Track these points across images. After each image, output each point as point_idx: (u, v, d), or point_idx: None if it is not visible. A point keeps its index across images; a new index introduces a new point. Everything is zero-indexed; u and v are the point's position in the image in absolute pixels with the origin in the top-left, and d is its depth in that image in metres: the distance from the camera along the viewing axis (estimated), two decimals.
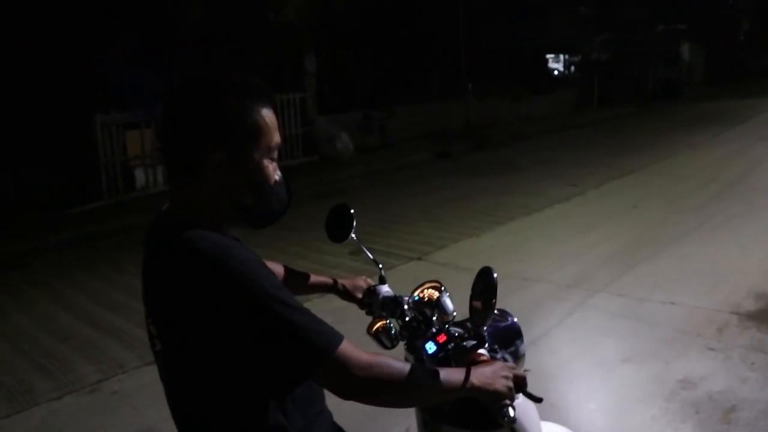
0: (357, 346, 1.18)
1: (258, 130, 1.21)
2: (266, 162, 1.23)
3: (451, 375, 1.26)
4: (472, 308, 1.40)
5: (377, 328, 1.58)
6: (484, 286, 1.37)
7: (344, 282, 1.85)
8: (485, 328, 1.42)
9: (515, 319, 1.61)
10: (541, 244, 6.09)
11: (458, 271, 5.31)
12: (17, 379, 3.99)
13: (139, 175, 9.87)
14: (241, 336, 1.14)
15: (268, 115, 1.23)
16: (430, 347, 1.49)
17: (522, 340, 1.60)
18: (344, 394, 1.19)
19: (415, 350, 1.55)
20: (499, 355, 1.46)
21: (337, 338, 1.16)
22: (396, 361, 1.22)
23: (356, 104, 13.98)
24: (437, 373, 1.24)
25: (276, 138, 1.25)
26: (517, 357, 1.56)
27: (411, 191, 9.26)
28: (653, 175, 9.28)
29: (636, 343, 3.86)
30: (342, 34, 13.99)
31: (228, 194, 1.23)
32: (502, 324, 1.59)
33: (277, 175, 1.27)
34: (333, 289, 1.84)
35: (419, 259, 5.84)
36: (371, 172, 11.25)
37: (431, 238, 6.49)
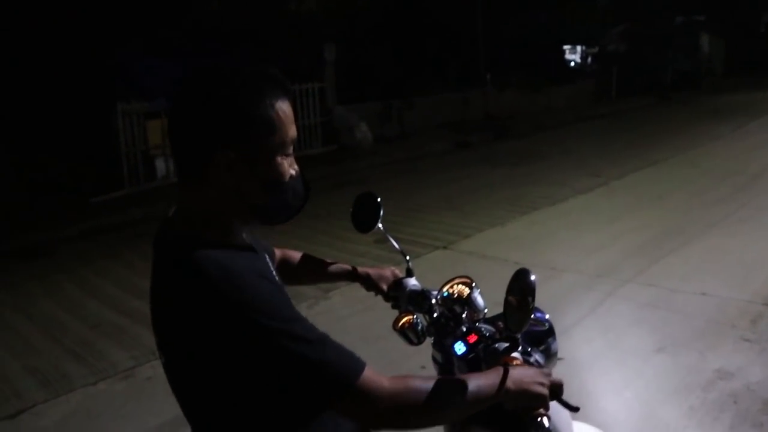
0: (378, 372, 1.10)
1: (271, 126, 1.12)
2: (281, 158, 1.15)
3: (483, 382, 1.17)
4: (507, 313, 1.28)
5: (403, 324, 1.54)
6: (521, 289, 1.26)
7: (369, 271, 1.75)
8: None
9: (547, 316, 1.54)
10: (566, 234, 6.05)
11: (485, 260, 5.30)
12: (51, 365, 4.03)
13: (160, 165, 9.91)
14: (252, 372, 1.08)
15: (282, 108, 1.14)
16: (460, 348, 1.43)
17: (554, 338, 1.53)
18: (369, 425, 1.14)
19: (442, 348, 1.49)
20: (532, 359, 1.39)
21: (357, 368, 1.08)
22: (423, 381, 1.14)
23: (375, 94, 13.94)
24: (467, 384, 1.15)
25: (292, 132, 1.17)
26: (549, 355, 1.50)
27: (432, 181, 9.23)
28: (677, 167, 9.18)
29: (669, 334, 3.83)
30: (361, 23, 13.95)
31: (240, 195, 1.15)
32: (534, 323, 1.51)
33: (293, 170, 1.19)
34: (357, 277, 1.75)
35: (445, 248, 5.83)
36: (391, 161, 11.22)
37: (455, 227, 6.47)
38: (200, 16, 11.87)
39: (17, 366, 4.06)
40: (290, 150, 1.17)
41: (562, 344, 3.71)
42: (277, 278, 1.23)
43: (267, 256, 1.34)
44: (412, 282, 1.69)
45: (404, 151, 11.82)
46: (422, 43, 15.97)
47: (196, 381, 1.15)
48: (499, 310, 1.32)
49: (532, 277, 1.26)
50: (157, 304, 1.17)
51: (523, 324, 1.26)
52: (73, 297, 5.28)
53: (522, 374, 1.21)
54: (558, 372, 3.44)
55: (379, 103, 13.36)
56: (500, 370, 1.20)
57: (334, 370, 1.06)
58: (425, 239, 6.10)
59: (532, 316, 1.27)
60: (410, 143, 12.52)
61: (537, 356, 1.42)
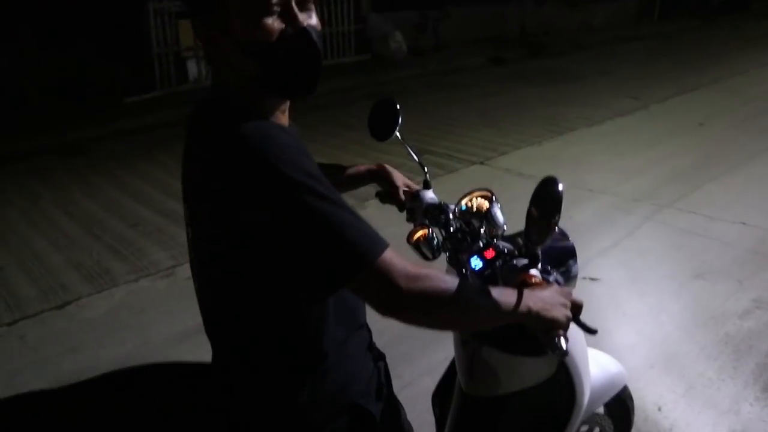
0: (402, 258, 1.04)
1: None
2: (259, 17, 1.01)
3: (505, 296, 1.10)
4: (529, 223, 1.17)
5: (418, 238, 1.44)
6: (547, 198, 1.15)
7: (389, 170, 1.67)
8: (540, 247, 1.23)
9: (569, 237, 1.47)
10: (604, 156, 5.95)
11: (521, 178, 5.26)
12: (94, 260, 4.14)
13: (192, 67, 9.76)
14: (271, 228, 0.99)
15: None
16: (476, 263, 1.35)
17: (575, 261, 1.46)
18: (386, 309, 1.02)
19: (458, 264, 1.41)
20: (551, 277, 1.32)
21: (381, 243, 1.00)
22: (447, 275, 1.08)
23: (411, 3, 13.44)
24: (489, 292, 1.08)
25: None
26: (569, 278, 1.43)
27: (467, 95, 9.02)
28: (720, 93, 8.85)
29: (707, 260, 3.81)
30: None
31: (233, 68, 1.07)
32: (556, 242, 1.45)
33: (291, 26, 1.03)
34: (375, 176, 1.68)
35: (481, 163, 5.77)
36: (425, 73, 10.94)
37: (492, 144, 6.38)
38: None
39: (61, 259, 4.17)
40: (276, 7, 1.02)
41: (599, 264, 3.75)
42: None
43: None
44: (429, 194, 1.61)
45: (439, 63, 11.50)
46: None
47: (217, 249, 1.09)
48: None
49: (560, 187, 1.14)
50: (188, 172, 1.12)
51: (545, 237, 1.16)
52: (112, 196, 5.36)
53: (543, 294, 1.15)
54: (593, 292, 3.48)
55: (416, 13, 12.90)
56: (519, 290, 1.14)
57: (358, 238, 0.98)
58: (462, 154, 6.04)
59: (556, 230, 1.17)
60: (445, 56, 12.16)
61: (557, 275, 1.35)
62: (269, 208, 0.98)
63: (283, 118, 1.16)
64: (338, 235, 0.97)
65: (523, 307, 1.10)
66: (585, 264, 3.69)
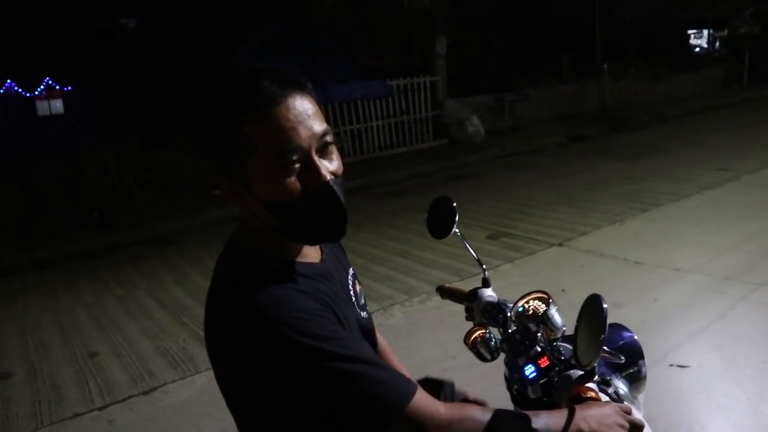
0: (432, 398, 1.03)
1: (248, 146, 1.01)
2: (279, 175, 1.01)
3: (553, 421, 1.06)
4: (576, 344, 1.16)
5: (475, 338, 1.44)
6: (591, 318, 1.13)
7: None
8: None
9: (635, 336, 1.40)
10: (692, 232, 5.69)
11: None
12: (179, 347, 4.32)
13: None
14: (292, 396, 1.00)
15: (263, 120, 1.00)
16: (530, 371, 1.33)
17: (644, 361, 1.39)
18: None
19: (515, 367, 1.39)
20: (611, 389, 1.27)
21: (407, 389, 1.00)
22: (484, 411, 1.05)
23: (484, 87, 13.76)
24: (530, 421, 1.05)
25: (287, 140, 1.00)
26: (638, 379, 1.37)
27: (546, 175, 8.98)
28: None
29: None
30: (473, 14, 13.80)
31: (256, 217, 1.08)
32: (619, 342, 1.39)
33: (313, 183, 1.03)
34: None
35: (560, 245, 5.66)
36: (504, 155, 11.03)
37: (571, 224, 6.26)
38: (315, 14, 12.20)
39: (150, 346, 4.38)
40: (293, 159, 1.01)
41: (688, 350, 3.54)
42: (331, 296, 1.12)
43: (336, 271, 1.22)
44: (488, 293, 1.59)
45: (517, 144, 11.58)
46: (536, 32, 15.56)
47: (238, 398, 1.10)
48: (616, 313, 1.23)
49: (604, 305, 1.11)
50: (207, 317, 1.11)
51: (593, 357, 1.13)
52: (199, 284, 5.61)
53: (598, 413, 1.09)
54: (682, 380, 3.27)
55: (491, 96, 13.17)
56: (570, 409, 1.09)
57: (380, 392, 0.97)
58: (540, 236, 5.95)
59: (605, 343, 1.12)
60: (523, 136, 12.25)
61: (619, 384, 1.30)
62: (287, 377, 0.98)
63: (311, 253, 1.17)
64: (364, 392, 0.97)
65: (573, 429, 1.06)
66: (672, 349, 3.49)
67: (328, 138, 1.06)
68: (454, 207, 1.64)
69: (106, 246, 7.33)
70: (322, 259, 1.19)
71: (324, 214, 1.05)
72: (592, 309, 1.13)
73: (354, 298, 1.25)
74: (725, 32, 22.82)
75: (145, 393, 3.72)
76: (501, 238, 5.91)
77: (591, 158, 10.05)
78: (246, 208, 1.09)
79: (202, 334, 4.23)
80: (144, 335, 4.59)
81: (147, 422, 3.40)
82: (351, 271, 1.32)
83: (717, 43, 23.25)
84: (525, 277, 4.72)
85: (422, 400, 1.01)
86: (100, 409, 3.58)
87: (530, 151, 11.26)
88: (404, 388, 1.00)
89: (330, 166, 1.06)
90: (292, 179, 1.02)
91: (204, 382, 3.78)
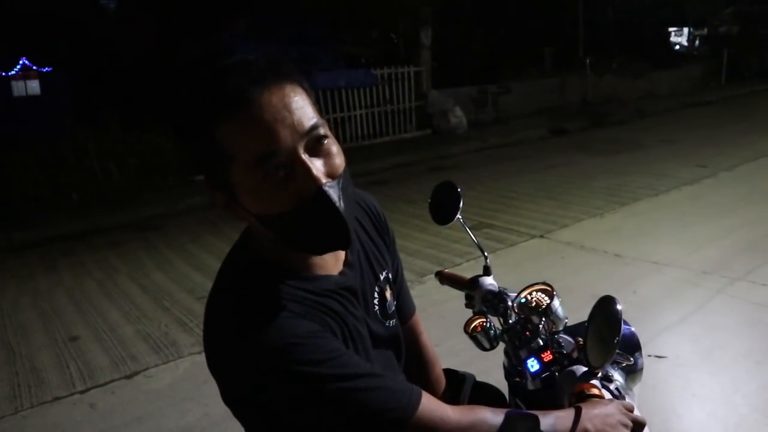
0: (439, 402, 1.02)
1: (223, 155, 0.91)
2: (261, 185, 0.91)
3: (559, 421, 1.05)
4: (587, 346, 1.14)
5: (475, 327, 1.43)
6: (604, 320, 1.10)
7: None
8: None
9: (632, 329, 1.39)
10: (670, 227, 5.79)
11: (582, 251, 5.17)
12: (162, 332, 4.30)
13: None
14: (304, 422, 0.96)
15: (234, 124, 0.88)
16: (533, 365, 1.32)
17: (641, 354, 1.38)
18: None
19: (515, 358, 1.38)
20: (613, 385, 1.26)
21: (413, 397, 0.97)
22: (493, 413, 1.03)
23: (468, 79, 13.81)
24: (539, 422, 1.04)
25: (264, 143, 0.88)
26: (634, 372, 1.36)
27: (528, 168, 9.06)
28: None
29: None
30: (458, 7, 13.81)
31: (255, 229, 1.02)
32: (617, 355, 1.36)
33: (306, 188, 0.91)
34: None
35: (541, 236, 5.72)
36: (486, 147, 11.09)
37: (552, 216, 6.33)
38: (300, 1, 12.12)
39: (132, 330, 4.36)
40: (275, 164, 0.89)
41: (665, 341, 3.62)
42: (342, 314, 1.06)
43: (359, 282, 1.14)
44: (489, 281, 1.55)
45: (499, 136, 11.65)
46: (519, 26, 15.63)
47: (238, 412, 1.05)
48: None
49: (618, 307, 1.09)
50: (206, 321, 1.05)
51: (605, 360, 1.11)
52: (182, 270, 5.59)
53: (603, 412, 1.09)
54: (659, 371, 3.35)
55: (475, 88, 13.21)
56: (576, 409, 1.09)
57: (386, 404, 0.95)
58: (521, 227, 6.01)
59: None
60: (505, 129, 12.31)
61: (618, 378, 1.30)
62: (288, 406, 0.94)
63: (329, 262, 1.09)
64: (365, 409, 0.94)
65: (580, 430, 1.05)
66: (650, 340, 3.56)
67: (320, 131, 0.93)
68: (458, 192, 1.59)
69: (85, 229, 7.25)
70: (342, 271, 1.10)
71: (321, 223, 0.94)
72: (606, 310, 1.11)
73: (378, 308, 1.19)
74: (705, 31, 23.15)
75: (127, 377, 3.70)
76: (483, 229, 5.96)
77: (572, 152, 10.15)
78: (241, 219, 1.01)
79: (184, 319, 4.24)
80: (125, 319, 4.56)
81: (129, 406, 3.38)
82: (383, 275, 1.23)
83: (697, 42, 23.57)
84: (506, 267, 4.77)
85: (429, 405, 0.99)
86: (82, 392, 3.56)
87: (512, 143, 11.34)
88: (409, 396, 0.98)
89: (323, 165, 0.94)
90: (279, 187, 0.91)
91: (187, 367, 3.78)
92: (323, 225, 0.94)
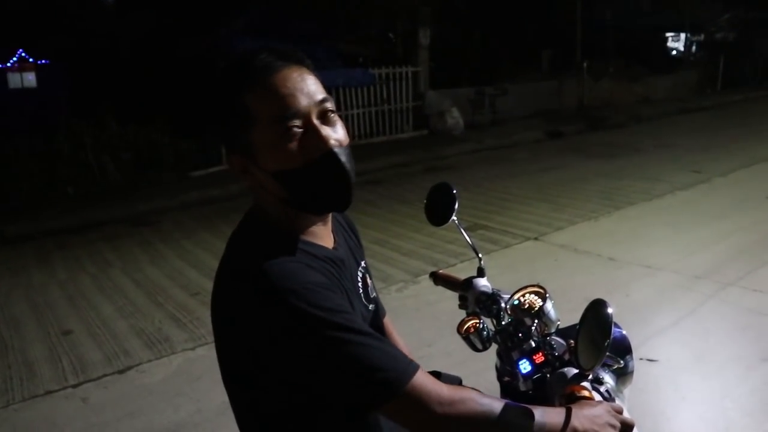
0: (435, 379, 1.04)
1: (248, 118, 1.04)
2: (281, 143, 1.04)
3: (549, 417, 1.06)
4: (578, 348, 1.15)
5: (468, 328, 1.43)
6: (595, 323, 1.11)
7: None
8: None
9: (624, 332, 1.40)
10: (664, 231, 5.82)
11: (576, 254, 5.19)
12: (155, 327, 4.30)
13: None
14: (294, 365, 1.01)
15: (260, 92, 1.03)
16: (525, 366, 1.33)
17: (632, 356, 1.38)
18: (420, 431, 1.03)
19: (507, 359, 1.39)
20: (603, 388, 1.27)
21: (410, 367, 1.00)
22: (484, 396, 1.05)
23: (465, 80, 13.83)
24: (532, 414, 1.05)
25: (285, 105, 1.03)
26: (624, 374, 1.37)
27: (524, 170, 9.08)
28: None
29: None
30: (457, 8, 13.83)
31: (268, 192, 1.10)
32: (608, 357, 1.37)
33: (317, 149, 1.04)
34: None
35: (536, 239, 5.75)
36: (482, 148, 11.11)
37: (547, 219, 6.35)
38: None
39: (125, 325, 4.36)
40: (293, 124, 1.03)
41: (657, 345, 3.64)
42: (341, 280, 1.14)
43: (348, 260, 1.23)
44: (483, 283, 1.56)
45: (495, 138, 11.67)
46: (518, 29, 15.66)
47: (237, 368, 1.11)
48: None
49: (609, 310, 1.10)
50: (216, 291, 1.12)
51: (595, 363, 1.12)
52: (176, 265, 5.59)
53: (592, 413, 1.10)
54: (651, 374, 3.36)
55: (472, 89, 13.24)
56: (567, 409, 1.11)
57: (384, 365, 0.98)
58: (516, 229, 6.03)
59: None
60: (502, 130, 12.33)
61: (608, 380, 1.31)
62: (293, 346, 0.98)
63: (322, 231, 1.18)
64: (365, 365, 0.98)
65: (569, 429, 1.07)
66: (642, 344, 3.58)
67: (329, 105, 1.08)
68: (454, 194, 1.61)
69: (80, 224, 7.23)
70: (334, 247, 1.20)
71: (330, 181, 1.07)
72: (597, 313, 1.13)
73: (361, 290, 1.26)
74: (702, 37, 23.21)
75: (120, 372, 3.70)
76: (477, 230, 5.97)
77: (568, 155, 10.18)
78: (257, 185, 1.11)
79: (178, 314, 4.23)
80: (119, 314, 4.55)
81: (122, 401, 3.39)
82: (363, 264, 1.33)
83: (693, 47, 23.63)
84: (500, 269, 4.78)
85: (426, 379, 1.01)
86: (74, 386, 3.56)
87: (508, 145, 11.37)
88: (407, 364, 1.01)
89: (334, 133, 1.08)
90: (295, 145, 1.04)
91: (180, 363, 3.79)
92: (331, 183, 1.08)
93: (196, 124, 9.56)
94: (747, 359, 3.45)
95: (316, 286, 1.00)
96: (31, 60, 16.33)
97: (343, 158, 1.07)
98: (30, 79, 16.97)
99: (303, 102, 1.04)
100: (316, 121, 1.05)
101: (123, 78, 10.32)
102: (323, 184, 1.07)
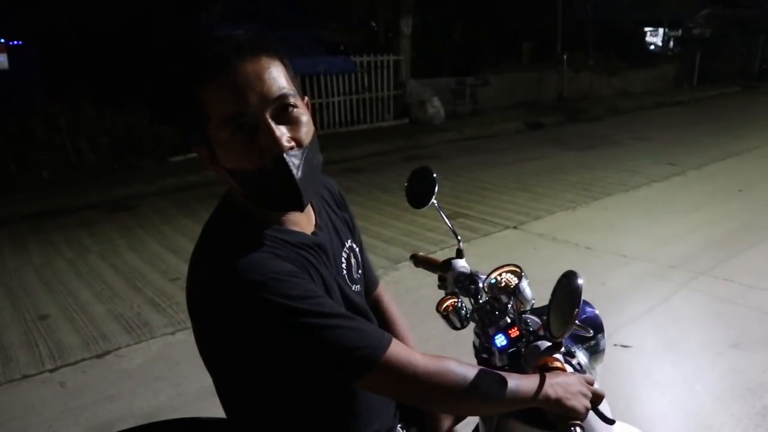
0: (409, 349, 1.06)
1: (202, 113, 1.03)
2: (229, 142, 1.02)
3: (523, 383, 1.10)
4: (550, 317, 1.20)
5: (447, 307, 1.47)
6: (566, 292, 1.16)
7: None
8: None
9: (596, 311, 1.45)
10: (639, 222, 5.92)
11: (555, 243, 5.26)
12: (134, 312, 4.27)
13: None
14: (268, 351, 1.03)
15: (216, 86, 1.00)
16: (500, 340, 1.37)
17: (603, 335, 1.44)
18: (398, 400, 1.10)
19: (484, 336, 1.43)
20: (575, 361, 1.32)
21: (383, 340, 1.03)
22: (460, 365, 1.08)
23: (446, 70, 13.84)
24: (506, 381, 1.09)
25: (232, 105, 1.00)
26: (596, 352, 1.42)
27: (503, 160, 9.15)
28: (760, 159, 8.78)
29: (745, 330, 3.73)
30: None
31: (232, 186, 1.11)
32: (582, 316, 1.44)
33: (271, 153, 1.02)
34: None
35: (515, 227, 5.81)
36: (463, 138, 11.16)
37: (526, 208, 6.42)
38: None
39: (103, 310, 4.32)
40: (241, 125, 1.01)
41: (631, 331, 3.71)
42: (316, 265, 1.14)
43: (329, 244, 1.24)
44: (461, 264, 1.62)
45: (476, 128, 11.72)
46: (499, 20, 15.70)
47: (214, 356, 1.14)
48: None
49: (580, 281, 1.14)
50: (190, 268, 1.12)
51: (565, 330, 1.16)
52: (155, 251, 5.54)
53: (564, 381, 1.14)
54: (624, 359, 3.44)
55: (453, 79, 13.25)
56: (540, 376, 1.14)
57: (357, 343, 1.00)
58: (496, 218, 6.09)
59: (578, 318, 1.16)
60: (482, 121, 12.39)
61: (581, 355, 1.36)
62: (263, 336, 1.00)
63: (298, 217, 1.17)
64: (338, 347, 0.99)
65: (542, 395, 1.10)
66: (617, 330, 3.66)
67: (289, 101, 1.04)
68: (434, 177, 1.65)
69: (56, 208, 7.13)
70: (314, 232, 1.20)
71: (280, 187, 1.04)
72: (568, 283, 1.17)
73: (345, 272, 1.27)
74: (679, 32, 23.50)
75: (98, 356, 3.68)
76: (457, 218, 6.02)
77: (547, 146, 10.28)
78: (220, 176, 1.10)
79: (157, 299, 4.22)
80: (97, 299, 4.52)
81: (100, 385, 3.37)
82: (348, 244, 1.33)
83: (671, 42, 23.91)
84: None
85: (399, 350, 1.03)
86: (51, 371, 3.53)
87: (489, 135, 11.43)
88: (379, 338, 1.03)
89: (288, 131, 1.04)
90: (246, 146, 1.02)
91: (159, 348, 3.77)
92: (280, 188, 1.04)
93: (167, 111, 9.47)
94: (717, 346, 3.54)
95: (282, 275, 1.00)
96: (2, 41, 15.97)
97: (296, 162, 1.04)
98: (2, 60, 16.61)
99: (253, 102, 1.00)
100: (270, 121, 1.02)
101: (100, 61, 10.14)
102: (274, 188, 1.05)
